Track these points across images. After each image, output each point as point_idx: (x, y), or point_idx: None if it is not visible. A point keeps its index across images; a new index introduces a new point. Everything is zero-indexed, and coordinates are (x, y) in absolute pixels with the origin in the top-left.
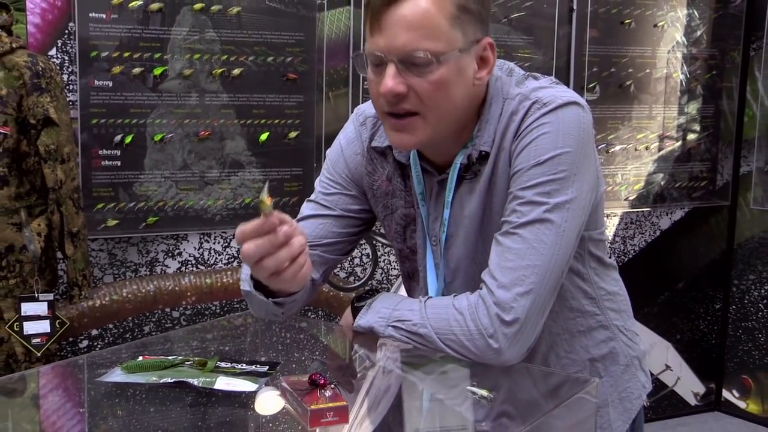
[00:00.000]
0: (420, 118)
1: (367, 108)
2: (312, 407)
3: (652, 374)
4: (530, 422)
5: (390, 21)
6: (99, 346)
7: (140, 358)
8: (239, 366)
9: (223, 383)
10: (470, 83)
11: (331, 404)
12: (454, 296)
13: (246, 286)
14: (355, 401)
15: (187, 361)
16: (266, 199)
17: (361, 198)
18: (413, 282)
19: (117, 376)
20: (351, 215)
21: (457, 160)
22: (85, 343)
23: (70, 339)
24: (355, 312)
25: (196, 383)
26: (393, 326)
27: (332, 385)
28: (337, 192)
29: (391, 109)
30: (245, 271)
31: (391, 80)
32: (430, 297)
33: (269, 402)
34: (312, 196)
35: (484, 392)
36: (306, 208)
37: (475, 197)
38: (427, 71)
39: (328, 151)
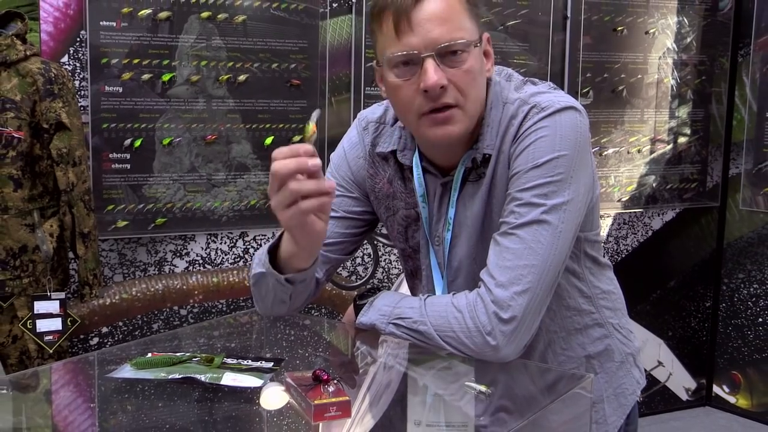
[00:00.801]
0: (459, 109)
1: (369, 113)
2: (316, 402)
3: (645, 370)
4: (527, 417)
5: (419, 19)
6: (109, 343)
7: (149, 354)
8: (245, 362)
9: (230, 379)
10: (484, 74)
11: (334, 399)
12: (453, 294)
13: (260, 268)
14: (357, 396)
15: (195, 357)
16: (312, 127)
17: (364, 200)
18: (416, 280)
19: (126, 372)
20: (354, 217)
21: (463, 162)
22: (96, 340)
23: (81, 336)
24: (357, 310)
25: (203, 379)
26: (394, 323)
27: (335, 381)
28: (340, 194)
29: (433, 105)
30: (258, 257)
31: (434, 74)
32: (430, 295)
33: (274, 397)
34: None
35: (482, 387)
36: None
37: (478, 199)
38: (461, 61)
39: (331, 155)
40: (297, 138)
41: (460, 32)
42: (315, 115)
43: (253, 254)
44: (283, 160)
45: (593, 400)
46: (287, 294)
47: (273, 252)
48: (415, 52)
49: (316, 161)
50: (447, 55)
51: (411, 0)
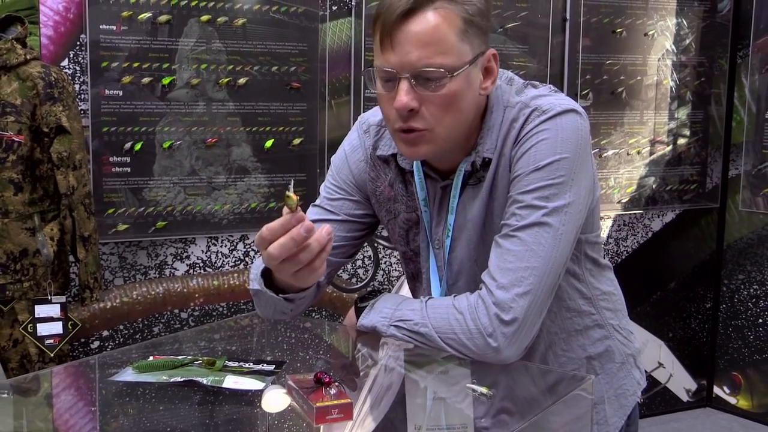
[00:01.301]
0: (430, 132)
1: (370, 116)
2: (317, 404)
3: (645, 371)
4: (529, 418)
5: (401, 38)
6: (110, 346)
7: (151, 358)
8: (247, 365)
9: (231, 382)
10: (477, 94)
11: (335, 401)
12: (455, 296)
13: (256, 285)
14: (358, 399)
15: (196, 360)
16: (292, 195)
17: (365, 203)
18: (417, 283)
19: (128, 375)
20: (354, 220)
21: (462, 168)
22: (97, 343)
23: (82, 340)
24: (359, 312)
25: (205, 382)
26: (395, 326)
27: (337, 383)
28: (341, 197)
29: (403, 125)
30: (254, 271)
31: (404, 96)
32: (431, 297)
33: (276, 400)
34: (317, 201)
35: (483, 389)
36: (311, 213)
37: (478, 202)
38: (439, 86)
39: (332, 158)
40: (297, 141)
41: (440, 57)
42: (291, 184)
43: (254, 257)
44: (277, 243)
45: (594, 402)
46: (288, 308)
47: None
48: (393, 70)
49: (308, 224)
50: (423, 78)
51: (396, 17)
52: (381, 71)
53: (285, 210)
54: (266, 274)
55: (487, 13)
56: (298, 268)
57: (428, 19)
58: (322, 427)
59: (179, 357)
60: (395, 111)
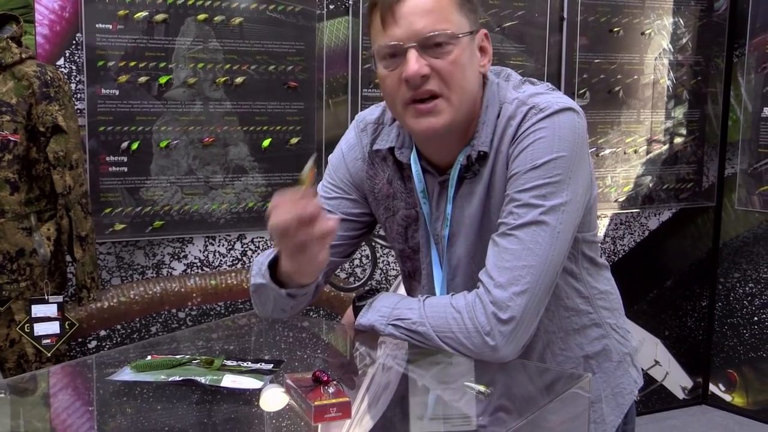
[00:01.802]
0: (443, 100)
1: (367, 115)
2: (316, 403)
3: (642, 369)
4: (526, 416)
5: (404, 11)
6: (107, 346)
7: (149, 357)
8: (245, 364)
9: (230, 381)
10: (477, 69)
11: (334, 400)
12: (452, 295)
13: (259, 278)
14: (356, 397)
15: (195, 359)
16: (308, 173)
17: (362, 202)
18: (414, 281)
19: (127, 374)
20: (352, 219)
21: (459, 160)
22: (94, 343)
23: (79, 339)
24: (357, 311)
25: (203, 381)
26: (393, 324)
27: (335, 382)
28: (338, 196)
29: (414, 94)
30: (257, 267)
31: (415, 63)
32: (429, 296)
33: (274, 399)
34: None
35: (481, 387)
36: None
37: (475, 198)
38: (445, 51)
39: (330, 157)
40: (294, 140)
41: (444, 24)
42: (310, 162)
43: (251, 256)
44: (281, 210)
45: (591, 400)
46: (288, 305)
47: (273, 264)
48: (399, 43)
49: (314, 206)
50: (431, 46)
51: None
52: (385, 47)
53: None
54: (272, 270)
55: None
56: (295, 244)
57: None
58: (320, 425)
59: (177, 356)
60: (405, 83)
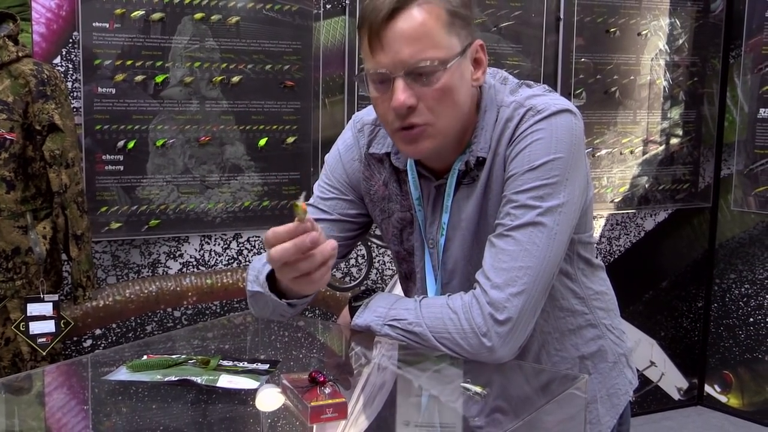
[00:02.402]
0: (431, 127)
1: (364, 115)
2: (312, 404)
3: (637, 370)
4: (522, 417)
5: (390, 38)
6: (102, 345)
7: (145, 357)
8: (241, 364)
9: (226, 381)
10: (469, 86)
11: (330, 401)
12: (449, 296)
13: (256, 287)
14: (351, 398)
15: (191, 359)
16: (301, 205)
17: (358, 203)
18: (410, 283)
19: (122, 374)
20: (348, 219)
21: (456, 167)
22: (89, 342)
23: (75, 338)
24: (353, 311)
25: (199, 381)
26: (389, 325)
27: (331, 383)
28: (334, 197)
29: (402, 124)
30: (253, 273)
31: (401, 94)
32: (425, 297)
33: (269, 399)
34: (311, 200)
35: (478, 388)
36: None
37: (472, 201)
38: (433, 80)
39: (326, 157)
40: (291, 139)
41: (431, 51)
42: (303, 195)
43: (247, 256)
44: (280, 246)
45: (587, 401)
46: (288, 312)
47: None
48: (387, 71)
49: (314, 235)
50: (417, 74)
51: (383, 18)
52: (374, 74)
53: (296, 219)
54: (270, 278)
55: (469, 3)
56: (297, 275)
57: (414, 16)
58: (314, 426)
59: (173, 356)
60: (393, 111)
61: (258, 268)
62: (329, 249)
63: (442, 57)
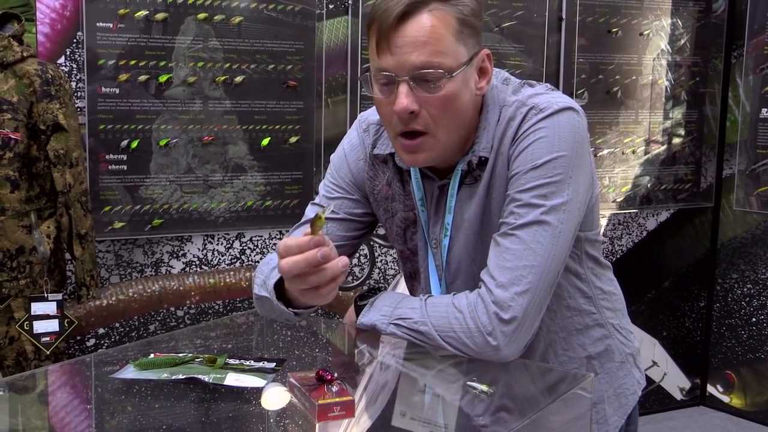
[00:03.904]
0: (431, 137)
1: (369, 115)
2: (320, 402)
3: None
4: (528, 416)
5: (399, 41)
6: (105, 344)
7: (152, 355)
8: (248, 363)
9: (233, 379)
10: (473, 94)
11: (338, 399)
12: (454, 295)
13: (263, 292)
14: (357, 396)
15: (197, 358)
16: (324, 217)
17: (364, 202)
18: (415, 282)
19: (130, 372)
20: (353, 219)
21: (459, 167)
22: (92, 341)
23: (78, 337)
24: (358, 310)
25: (206, 379)
26: (395, 324)
27: (339, 381)
28: (340, 196)
29: (404, 128)
30: (261, 277)
31: (405, 99)
32: (431, 296)
33: (275, 397)
34: (316, 200)
35: (483, 387)
36: (310, 211)
37: (475, 201)
38: (438, 87)
39: (331, 157)
40: (294, 139)
41: (439, 57)
42: (329, 208)
43: (250, 255)
44: (291, 258)
45: (594, 401)
46: (293, 319)
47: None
48: (392, 74)
49: (325, 250)
50: (422, 80)
51: (393, 20)
52: (379, 75)
53: (306, 230)
54: (278, 285)
55: (480, 12)
56: (306, 287)
57: (424, 21)
58: (317, 424)
59: (180, 354)
60: (395, 115)
61: (266, 272)
62: (340, 266)
63: (448, 65)
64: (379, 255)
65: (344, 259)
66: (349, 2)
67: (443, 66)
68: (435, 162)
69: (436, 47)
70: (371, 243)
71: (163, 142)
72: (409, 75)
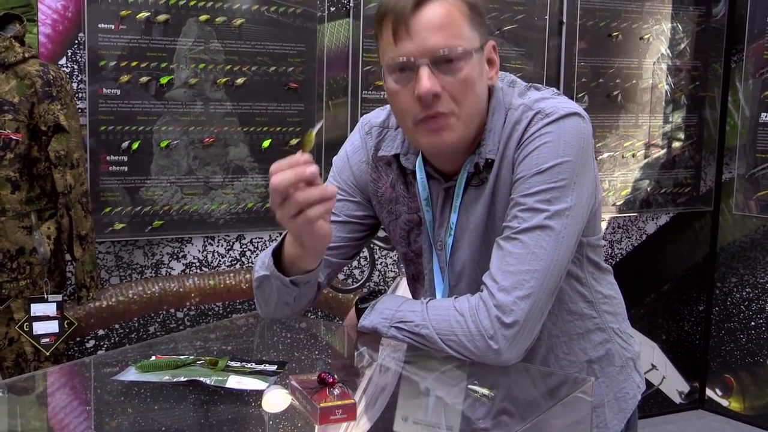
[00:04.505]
0: (455, 117)
1: (372, 118)
2: (321, 405)
3: None
4: (529, 420)
5: (417, 26)
6: (105, 345)
7: (153, 357)
8: (249, 365)
9: (235, 382)
10: (485, 82)
11: (339, 402)
12: (455, 298)
13: (263, 270)
14: (358, 399)
15: (199, 360)
16: (313, 138)
17: (366, 204)
18: (418, 284)
19: (131, 375)
20: (355, 221)
21: (465, 168)
22: (92, 342)
23: (77, 339)
24: (359, 313)
25: (208, 382)
26: (396, 327)
27: (340, 384)
28: (342, 199)
29: (426, 113)
30: (260, 261)
31: (428, 81)
32: (432, 299)
33: (276, 400)
34: None
35: (484, 391)
36: None
37: (481, 204)
38: (457, 69)
39: (334, 159)
40: (294, 141)
41: (457, 40)
42: (318, 125)
43: (250, 257)
44: (281, 172)
45: (594, 405)
46: (291, 296)
47: (276, 254)
48: (411, 59)
49: (314, 168)
50: (443, 62)
51: (410, 7)
52: (396, 63)
53: (303, 148)
54: (275, 255)
55: (486, 3)
56: (295, 210)
57: (440, 7)
58: (319, 427)
59: (182, 357)
60: (417, 101)
61: (265, 253)
62: (330, 190)
63: (466, 47)
64: (379, 257)
65: (332, 187)
66: (351, 5)
67: (462, 47)
68: (456, 147)
69: (454, 30)
70: (371, 246)
71: (163, 144)
72: (430, 58)
